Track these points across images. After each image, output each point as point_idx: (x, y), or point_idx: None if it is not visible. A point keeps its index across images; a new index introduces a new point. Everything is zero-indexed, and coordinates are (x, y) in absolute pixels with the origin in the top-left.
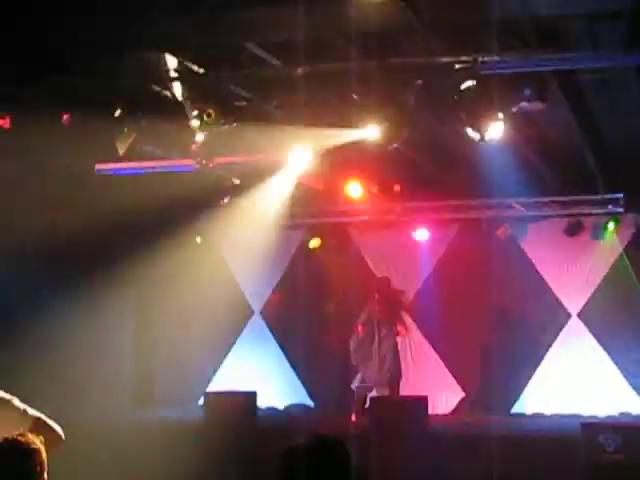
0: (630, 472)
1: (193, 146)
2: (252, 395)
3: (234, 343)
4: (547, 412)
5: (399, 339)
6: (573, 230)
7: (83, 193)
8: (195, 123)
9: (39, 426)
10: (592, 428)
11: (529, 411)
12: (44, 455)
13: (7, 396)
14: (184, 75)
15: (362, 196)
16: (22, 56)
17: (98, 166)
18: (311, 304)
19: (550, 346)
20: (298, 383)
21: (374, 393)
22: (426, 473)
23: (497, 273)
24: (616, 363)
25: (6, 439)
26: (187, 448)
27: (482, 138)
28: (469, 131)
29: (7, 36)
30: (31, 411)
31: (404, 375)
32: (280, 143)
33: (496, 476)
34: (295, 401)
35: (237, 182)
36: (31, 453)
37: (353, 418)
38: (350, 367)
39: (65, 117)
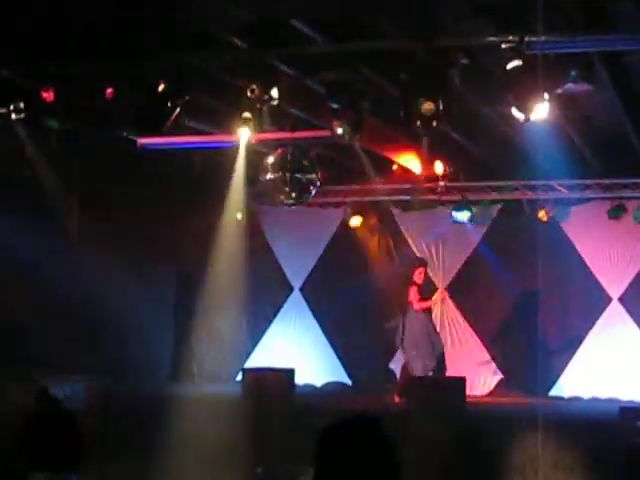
0: None
1: (237, 122)
2: (290, 372)
3: (273, 320)
4: (585, 396)
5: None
6: (616, 213)
7: (125, 166)
8: (239, 99)
9: None
10: (630, 412)
11: (567, 394)
12: None
13: None
14: (228, 51)
15: (404, 175)
16: (67, 32)
17: (141, 140)
18: (351, 282)
19: (590, 330)
20: (336, 361)
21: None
22: (463, 453)
23: (538, 255)
24: None
25: None
26: (225, 424)
27: (527, 119)
28: (514, 111)
29: (52, 15)
30: None
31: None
32: (323, 119)
33: (532, 458)
34: (333, 379)
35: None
36: None
37: (395, 399)
38: (388, 347)
39: (108, 91)
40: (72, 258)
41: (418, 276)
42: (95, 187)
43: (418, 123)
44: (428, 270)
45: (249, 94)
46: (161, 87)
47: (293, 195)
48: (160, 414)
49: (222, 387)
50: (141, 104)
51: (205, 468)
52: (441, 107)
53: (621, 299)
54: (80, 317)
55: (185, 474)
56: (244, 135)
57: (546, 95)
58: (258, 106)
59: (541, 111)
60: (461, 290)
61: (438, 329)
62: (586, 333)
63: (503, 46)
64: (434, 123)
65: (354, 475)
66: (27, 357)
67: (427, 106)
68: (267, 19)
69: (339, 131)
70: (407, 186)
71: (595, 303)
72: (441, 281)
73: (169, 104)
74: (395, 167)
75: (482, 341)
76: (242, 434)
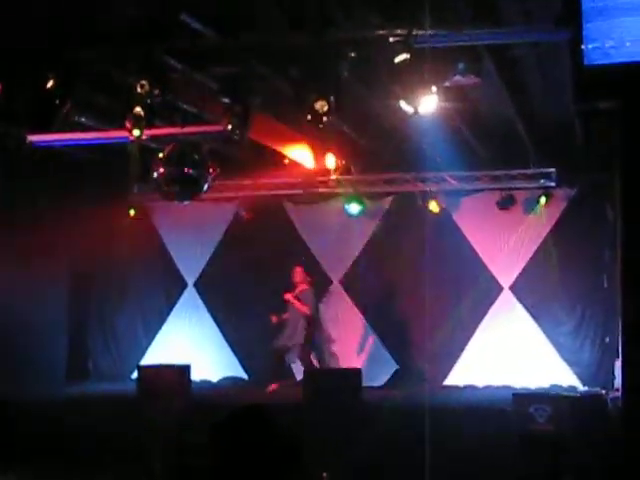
0: (560, 442)
1: (127, 118)
2: (186, 368)
3: (168, 316)
4: (479, 384)
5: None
6: (506, 204)
7: (16, 163)
8: (129, 94)
9: None
10: (523, 399)
11: (462, 383)
12: None
13: None
14: (117, 47)
15: (296, 169)
16: None
17: (30, 137)
18: (245, 277)
19: (482, 319)
20: (232, 356)
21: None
22: (360, 444)
23: (430, 246)
24: (547, 335)
25: None
26: (122, 422)
27: (416, 111)
28: (403, 104)
29: None
30: None
31: (339, 347)
32: (214, 114)
33: (428, 448)
34: (229, 374)
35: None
36: None
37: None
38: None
39: None
40: None
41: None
42: None
43: (309, 117)
44: (321, 264)
45: (139, 89)
46: (50, 83)
47: (184, 191)
48: (56, 415)
49: (118, 385)
50: (30, 100)
51: (105, 467)
52: (332, 102)
53: (512, 288)
54: None
55: (78, 474)
56: (134, 131)
57: (434, 88)
58: (148, 101)
59: (429, 104)
60: (355, 283)
61: (333, 322)
62: (478, 322)
63: (391, 39)
64: (325, 118)
65: (250, 465)
66: None
67: (320, 104)
68: (156, 13)
69: (229, 126)
70: (299, 180)
71: (487, 292)
72: (334, 274)
73: (58, 101)
74: (287, 161)
75: (376, 333)
76: (139, 431)
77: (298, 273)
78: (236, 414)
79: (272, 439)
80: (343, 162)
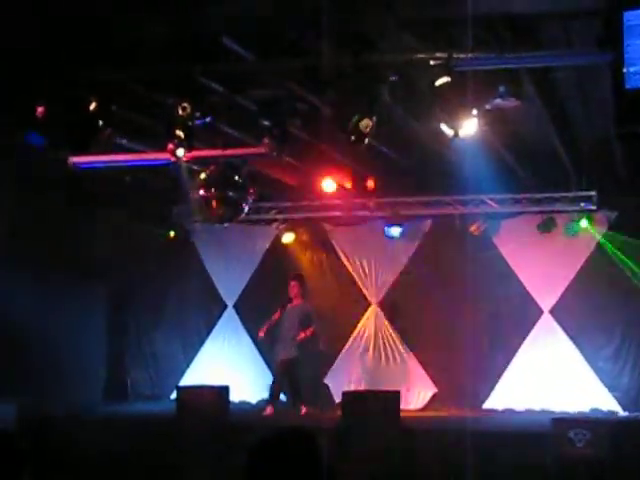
0: (599, 467)
1: (169, 140)
2: (225, 389)
3: (207, 337)
4: (518, 408)
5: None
6: (546, 227)
7: (58, 184)
8: (170, 116)
9: None
10: (562, 423)
11: (501, 406)
12: None
13: None
14: (159, 69)
15: (336, 191)
16: None
17: (72, 159)
18: (285, 298)
19: (522, 342)
20: (270, 377)
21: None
22: (397, 467)
23: (470, 269)
24: (587, 359)
25: None
26: (160, 443)
27: (456, 134)
28: (443, 127)
29: None
30: None
31: (378, 370)
32: (254, 137)
33: (467, 471)
34: (268, 396)
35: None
36: None
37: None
38: (323, 362)
39: (39, 110)
40: (2, 277)
41: (290, 290)
42: (27, 204)
43: (352, 138)
44: (358, 284)
45: (180, 112)
46: (92, 106)
47: (225, 212)
48: (94, 434)
49: (157, 405)
50: (72, 122)
51: None
52: (373, 124)
53: (552, 311)
54: (11, 337)
55: None
56: (177, 152)
57: (474, 111)
58: (189, 123)
59: (470, 127)
60: (394, 305)
61: (371, 345)
62: (518, 346)
63: (432, 63)
64: (366, 140)
65: None
66: None
67: (364, 123)
68: (197, 36)
69: (269, 148)
70: (339, 202)
71: (527, 316)
72: (373, 297)
73: (100, 122)
74: (327, 183)
75: (415, 356)
76: (177, 452)
77: (294, 287)
78: (279, 437)
79: (311, 463)
80: (383, 184)
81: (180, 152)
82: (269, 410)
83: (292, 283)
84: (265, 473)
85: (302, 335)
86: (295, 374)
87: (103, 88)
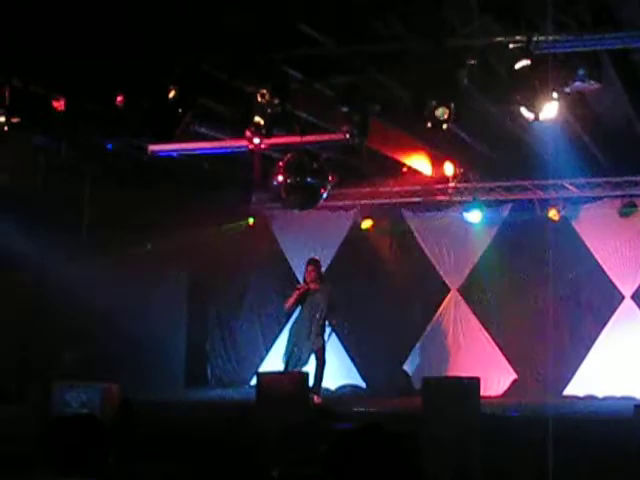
0: None
1: (247, 127)
2: (304, 375)
3: (286, 323)
4: (600, 394)
5: None
6: (627, 211)
7: (137, 173)
8: (249, 103)
9: None
10: None
11: (582, 393)
12: None
13: None
14: (238, 56)
15: (415, 177)
16: (76, 38)
17: (151, 147)
18: (364, 285)
19: (603, 328)
20: (350, 364)
21: None
22: (477, 454)
23: (550, 254)
24: None
25: None
26: (240, 429)
27: (536, 118)
28: (523, 111)
29: (59, 21)
30: None
31: (457, 356)
32: (333, 123)
33: (548, 457)
34: (347, 382)
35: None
36: None
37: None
38: (402, 348)
39: (119, 99)
40: (86, 264)
41: (307, 275)
42: (107, 194)
43: (429, 125)
44: (438, 270)
45: (259, 99)
46: (172, 94)
47: (304, 199)
48: (176, 419)
49: (237, 391)
50: (152, 111)
51: (221, 473)
52: (452, 109)
53: (634, 297)
54: (93, 322)
55: (197, 478)
56: (255, 139)
57: (555, 94)
58: (268, 110)
59: (550, 110)
60: (473, 291)
61: (451, 331)
62: (599, 331)
63: (511, 46)
64: (445, 125)
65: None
66: (43, 363)
67: (441, 110)
68: (276, 23)
69: (348, 135)
70: (418, 188)
71: (608, 301)
72: (453, 282)
73: (180, 110)
74: (405, 169)
75: (495, 342)
76: (257, 438)
77: (311, 272)
78: (366, 430)
79: (391, 461)
80: (462, 170)
81: (258, 139)
82: (317, 399)
83: (309, 267)
84: (346, 465)
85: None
86: (319, 364)
87: (183, 76)
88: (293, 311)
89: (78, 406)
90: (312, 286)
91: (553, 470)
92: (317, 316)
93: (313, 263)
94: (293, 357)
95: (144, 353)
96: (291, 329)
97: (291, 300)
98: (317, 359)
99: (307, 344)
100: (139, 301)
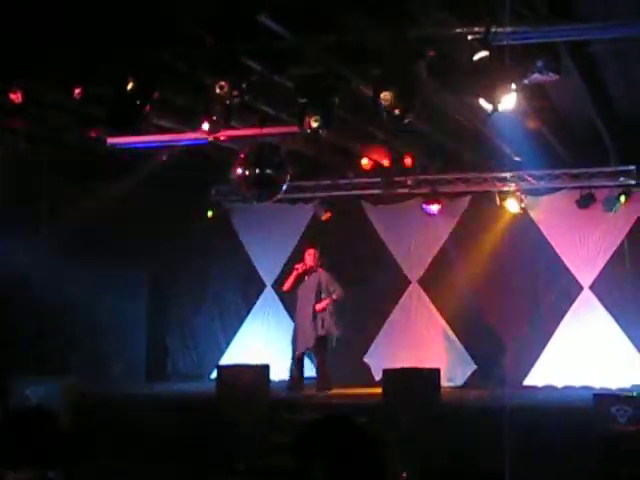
0: None
1: (206, 119)
2: (265, 368)
3: (246, 317)
4: (559, 384)
5: None
6: (585, 202)
7: (94, 165)
8: (208, 95)
9: None
10: (604, 400)
11: (541, 383)
12: None
13: None
14: (196, 47)
15: (374, 169)
16: (33, 31)
17: (110, 139)
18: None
19: (562, 318)
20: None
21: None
22: (438, 444)
23: (509, 246)
24: (628, 335)
25: None
26: (200, 422)
27: (495, 109)
28: (482, 102)
29: (18, 14)
30: None
31: (417, 348)
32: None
33: (508, 447)
34: (308, 374)
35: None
36: None
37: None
38: (362, 340)
39: (77, 91)
40: (42, 259)
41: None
42: (64, 187)
43: (385, 117)
44: (398, 262)
45: (218, 90)
46: (130, 85)
47: (263, 191)
48: (135, 413)
49: (197, 385)
50: (110, 103)
51: (182, 466)
52: (408, 99)
53: (592, 287)
54: (52, 317)
55: (160, 472)
56: (213, 132)
57: (513, 85)
58: (227, 102)
59: (509, 101)
60: (433, 283)
61: (411, 322)
62: (558, 322)
63: (469, 37)
64: (403, 119)
65: (336, 474)
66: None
67: (384, 96)
68: (235, 14)
69: (308, 126)
70: (377, 180)
71: (566, 292)
72: (413, 274)
73: (138, 102)
74: (365, 161)
75: (455, 333)
76: (218, 432)
77: (312, 255)
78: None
79: (358, 450)
80: (421, 162)
81: (217, 131)
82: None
83: (310, 250)
84: (316, 455)
85: (318, 307)
86: (319, 353)
87: (141, 67)
88: (252, 306)
89: (37, 400)
90: (310, 266)
91: (513, 458)
92: (310, 302)
93: (314, 247)
94: (298, 341)
95: (104, 347)
96: (295, 315)
97: (289, 281)
98: (317, 348)
99: (310, 328)
100: (99, 295)
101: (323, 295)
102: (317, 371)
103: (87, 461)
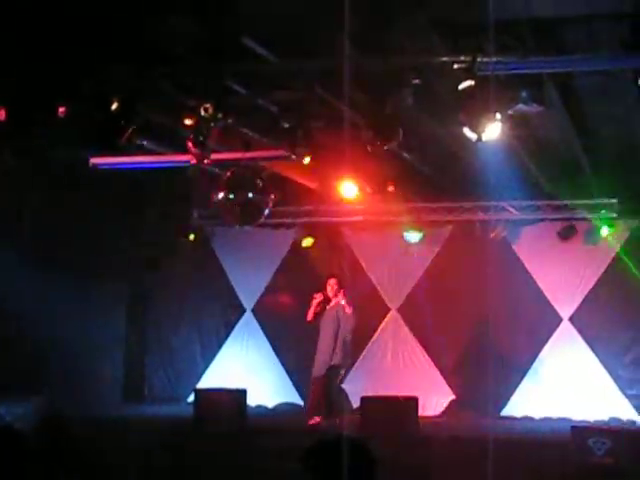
0: (619, 476)
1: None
2: (242, 393)
3: (225, 340)
4: (537, 415)
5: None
6: (566, 234)
7: (78, 186)
8: (192, 118)
9: None
10: (582, 432)
11: (519, 414)
12: None
13: None
14: (183, 70)
15: (356, 196)
16: (18, 47)
17: (93, 160)
18: (303, 302)
19: (541, 350)
20: (288, 382)
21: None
22: (415, 474)
23: (489, 276)
24: (606, 368)
25: None
26: (176, 445)
27: (479, 138)
28: (466, 131)
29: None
30: None
31: (396, 376)
32: (276, 140)
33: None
34: (285, 400)
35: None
36: None
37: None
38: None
39: (61, 110)
40: (23, 275)
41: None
42: (46, 205)
43: (369, 148)
44: (377, 290)
45: (202, 113)
46: (114, 105)
47: (245, 216)
48: (111, 435)
49: (174, 408)
50: (94, 123)
51: None
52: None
53: (572, 319)
54: (28, 336)
55: None
56: (197, 155)
57: (498, 115)
58: (211, 125)
59: (493, 131)
60: (413, 312)
61: (390, 350)
62: (537, 353)
63: (455, 66)
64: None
65: None
66: None
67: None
68: (220, 37)
69: (291, 151)
70: (359, 206)
71: (546, 323)
72: (393, 302)
73: (122, 123)
74: (347, 187)
75: (434, 362)
76: (194, 455)
77: (331, 286)
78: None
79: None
80: (404, 190)
81: (201, 154)
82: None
83: (331, 281)
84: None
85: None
86: (328, 384)
87: (125, 88)
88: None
89: (12, 419)
90: (331, 298)
91: None
92: (330, 332)
93: (335, 277)
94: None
95: (81, 369)
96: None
97: (310, 311)
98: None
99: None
100: (78, 315)
101: (341, 324)
102: (325, 400)
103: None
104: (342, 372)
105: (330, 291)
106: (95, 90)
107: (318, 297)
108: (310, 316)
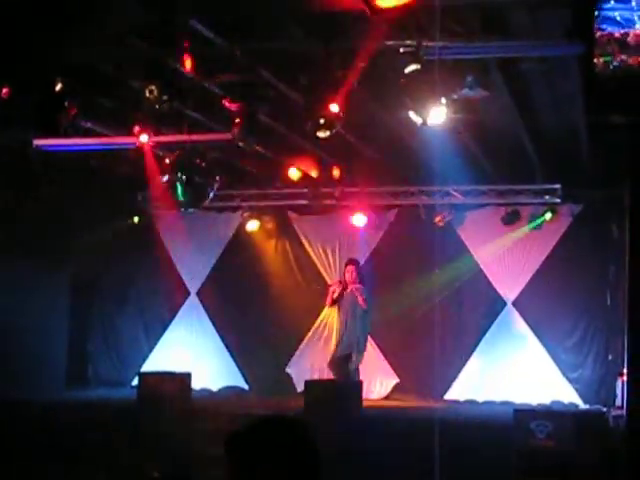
0: (560, 458)
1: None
2: (187, 376)
3: (170, 324)
4: (480, 399)
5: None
6: (510, 219)
7: (19, 169)
8: (137, 100)
9: None
10: (524, 415)
11: (462, 397)
12: None
13: None
14: (128, 51)
15: (301, 179)
16: None
17: (36, 142)
18: (248, 286)
19: (484, 334)
20: (233, 365)
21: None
22: (359, 456)
23: (433, 260)
24: (549, 352)
25: None
26: (121, 428)
27: (424, 122)
28: (412, 115)
29: None
30: None
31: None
32: (222, 123)
33: (428, 462)
34: (229, 383)
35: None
36: None
37: None
38: (285, 351)
39: (4, 91)
40: None
41: (348, 275)
42: None
43: (317, 127)
44: (322, 274)
45: (147, 95)
46: (58, 87)
47: (190, 198)
48: (54, 419)
49: (118, 391)
50: (37, 104)
51: (100, 474)
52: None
53: (515, 303)
54: None
55: (76, 474)
56: (141, 137)
57: (443, 100)
58: (156, 107)
59: (438, 115)
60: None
61: (334, 334)
62: (481, 337)
63: (401, 50)
64: (333, 128)
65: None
66: None
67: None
68: (166, 19)
69: (236, 134)
70: (304, 190)
71: (490, 307)
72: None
73: (66, 104)
74: (292, 171)
75: (378, 345)
76: (138, 438)
77: (350, 272)
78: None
79: (301, 452)
80: (349, 174)
81: (145, 137)
82: None
83: (349, 267)
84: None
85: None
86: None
87: (70, 69)
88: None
89: None
90: (348, 286)
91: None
92: (348, 321)
93: (353, 263)
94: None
95: (24, 353)
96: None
97: (328, 299)
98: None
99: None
100: (20, 300)
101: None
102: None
103: (7, 469)
104: (361, 357)
105: (349, 278)
106: (38, 71)
107: (334, 285)
108: (329, 302)
